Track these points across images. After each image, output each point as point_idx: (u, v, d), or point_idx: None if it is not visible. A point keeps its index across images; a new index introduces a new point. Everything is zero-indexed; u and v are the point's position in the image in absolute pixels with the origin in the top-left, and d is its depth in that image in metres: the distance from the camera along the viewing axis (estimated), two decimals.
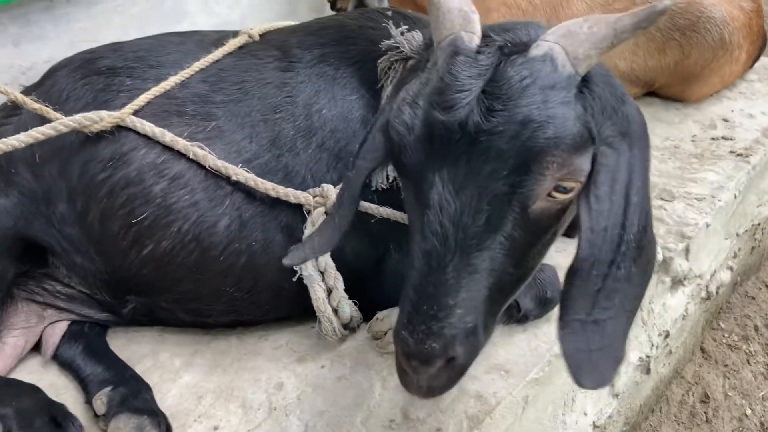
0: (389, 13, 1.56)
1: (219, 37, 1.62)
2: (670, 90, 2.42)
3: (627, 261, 1.00)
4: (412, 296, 0.99)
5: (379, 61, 1.45)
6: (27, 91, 1.54)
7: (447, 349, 0.97)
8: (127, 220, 1.37)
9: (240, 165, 1.40)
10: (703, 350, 2.27)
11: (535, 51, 0.98)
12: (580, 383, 1.00)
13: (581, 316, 1.00)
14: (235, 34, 1.61)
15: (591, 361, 1.00)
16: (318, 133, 1.46)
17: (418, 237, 1.00)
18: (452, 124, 0.95)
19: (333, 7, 2.62)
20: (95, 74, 1.47)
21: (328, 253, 1.42)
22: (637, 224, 1.01)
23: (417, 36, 1.42)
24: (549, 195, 0.98)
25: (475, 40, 1.02)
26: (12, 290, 1.48)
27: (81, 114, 1.35)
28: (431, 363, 0.98)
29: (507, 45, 1.02)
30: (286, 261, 1.27)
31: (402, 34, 1.43)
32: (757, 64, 2.66)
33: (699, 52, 2.27)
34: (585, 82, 1.00)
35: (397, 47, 1.42)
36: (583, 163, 0.98)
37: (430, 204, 0.97)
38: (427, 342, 0.96)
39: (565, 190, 0.98)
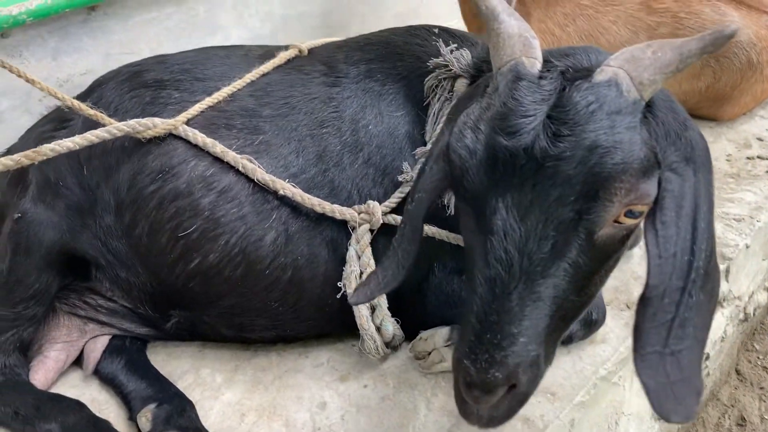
0: (436, 30, 1.56)
1: (264, 52, 1.62)
2: (703, 111, 2.41)
3: (697, 288, 0.98)
4: (475, 324, 0.96)
5: (426, 78, 1.44)
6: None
7: (510, 378, 0.95)
8: (175, 233, 1.36)
9: (287, 179, 1.40)
10: (738, 372, 2.24)
11: (600, 76, 0.96)
12: (667, 418, 0.97)
13: (658, 348, 0.98)
14: (283, 49, 1.60)
15: (673, 394, 0.97)
16: (364, 148, 1.45)
17: (480, 263, 0.97)
18: (517, 149, 0.93)
19: None
20: (142, 87, 1.47)
21: (373, 269, 1.40)
22: (704, 250, 0.99)
23: (466, 54, 1.41)
24: (615, 221, 0.96)
25: (536, 65, 1.00)
26: (54, 304, 1.47)
27: (135, 120, 1.34)
28: (494, 392, 0.96)
29: (569, 70, 1.01)
30: (351, 300, 1.27)
31: (451, 52, 1.42)
32: None
33: (728, 75, 2.28)
34: (649, 107, 0.99)
35: (446, 65, 1.42)
36: (650, 188, 0.96)
37: (493, 230, 0.95)
38: (490, 371, 0.94)
39: (632, 215, 0.96)
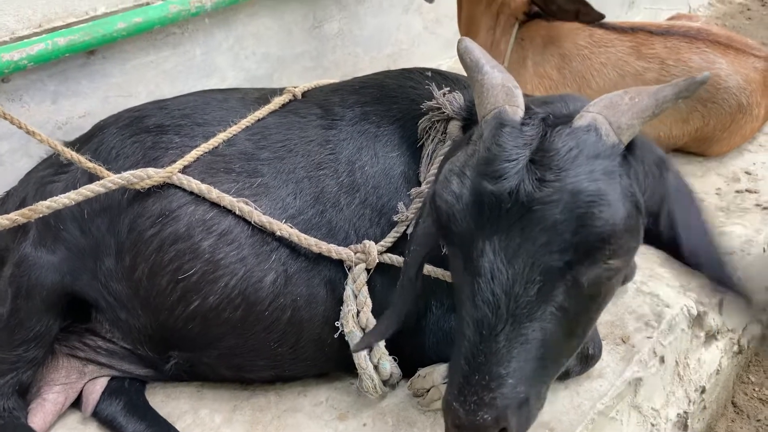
0: (429, 73, 1.60)
1: (260, 96, 1.65)
2: (692, 149, 2.45)
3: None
4: (463, 366, 0.98)
5: (420, 121, 1.48)
6: (71, 145, 1.57)
7: (499, 421, 0.96)
8: (175, 275, 1.38)
9: (285, 221, 1.42)
10: (734, 404, 2.24)
11: (580, 122, 1.01)
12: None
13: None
14: (279, 92, 1.64)
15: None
16: (361, 189, 1.47)
17: (468, 305, 0.99)
18: (502, 193, 0.97)
19: None
20: (144, 132, 1.49)
21: (369, 310, 1.42)
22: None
23: (458, 97, 1.45)
24: (603, 262, 0.99)
25: (519, 112, 1.05)
26: (54, 345, 1.48)
27: (130, 171, 1.37)
28: None
29: (549, 117, 1.05)
30: (354, 348, 1.32)
31: (444, 95, 1.45)
32: None
33: (718, 119, 2.32)
34: (628, 150, 1.03)
35: (439, 108, 1.45)
36: (635, 242, 1.01)
37: (481, 272, 0.97)
38: (479, 413, 0.95)
39: (619, 256, 0.99)
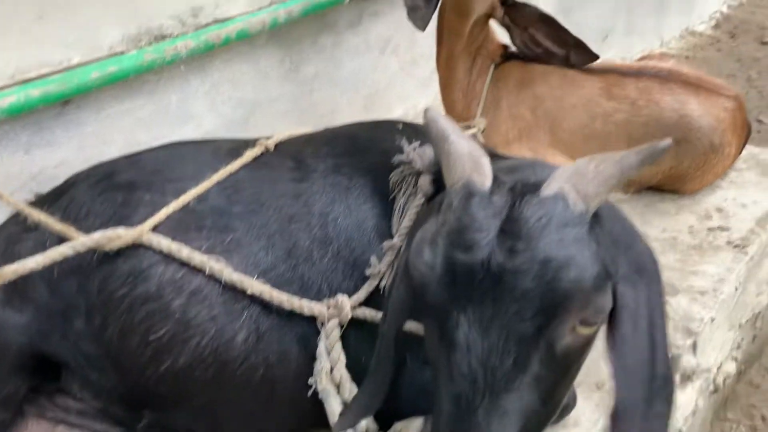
0: (400, 126, 1.62)
1: (233, 147, 1.65)
2: (665, 186, 2.48)
3: (659, 398, 1.02)
4: None
5: (391, 174, 1.49)
6: (42, 201, 1.56)
7: None
8: (146, 336, 1.37)
9: (257, 276, 1.42)
10: None
11: (547, 191, 1.02)
12: None
13: None
14: (251, 144, 1.64)
15: None
16: (334, 242, 1.48)
17: (444, 378, 0.99)
18: (474, 264, 0.97)
19: None
20: (115, 189, 1.49)
21: (343, 366, 1.41)
22: (663, 361, 1.04)
23: (428, 151, 1.46)
24: (574, 330, 0.99)
25: (486, 182, 1.06)
26: (22, 407, 1.45)
27: (99, 232, 1.36)
28: None
29: (517, 185, 1.06)
30: (336, 428, 1.29)
31: (414, 149, 1.47)
32: (744, 152, 2.74)
33: (691, 159, 2.36)
34: (596, 218, 1.03)
35: (410, 162, 1.47)
36: (605, 301, 1.00)
37: (456, 345, 0.97)
38: None
39: (589, 324, 1.00)
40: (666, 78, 2.36)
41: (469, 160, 1.08)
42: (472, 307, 0.97)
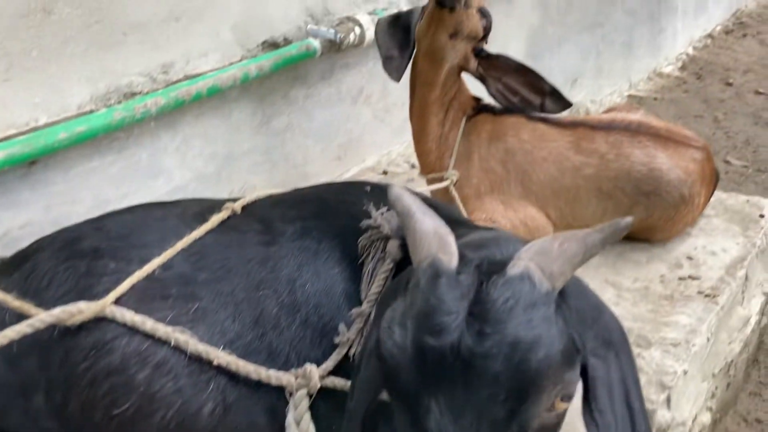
0: (368, 188, 1.61)
1: (200, 209, 1.64)
2: (638, 236, 2.50)
3: None
4: None
5: (359, 239, 1.48)
6: (5, 266, 1.53)
7: None
8: (109, 410, 1.33)
9: (223, 346, 1.39)
10: None
11: (513, 270, 1.01)
12: None
13: None
14: (218, 206, 1.62)
15: None
16: (302, 308, 1.46)
17: None
18: (444, 348, 0.95)
19: None
20: (78, 257, 1.46)
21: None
22: (643, 424, 1.03)
23: (394, 216, 1.46)
24: (551, 408, 0.99)
25: (453, 261, 1.05)
26: None
27: (60, 308, 1.33)
28: None
29: (483, 264, 1.05)
30: None
31: (382, 214, 1.46)
32: (712, 199, 2.79)
33: (662, 211, 2.38)
34: (562, 295, 1.03)
35: (378, 227, 1.46)
36: (574, 375, 1.01)
37: (428, 431, 0.96)
38: None
39: (562, 400, 0.99)
40: (635, 131, 2.39)
41: (435, 238, 1.07)
42: (443, 392, 0.95)
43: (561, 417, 1.03)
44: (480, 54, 2.31)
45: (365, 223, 1.48)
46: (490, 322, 0.95)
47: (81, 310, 1.33)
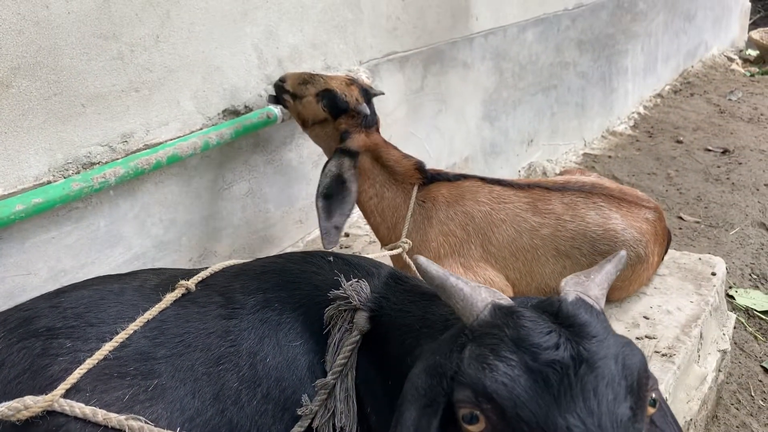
0: (331, 258, 1.63)
1: (159, 282, 1.63)
2: None
3: None
4: None
5: (326, 309, 1.49)
6: None
7: None
8: None
9: (183, 423, 1.37)
10: None
11: (570, 298, 1.12)
12: None
13: None
14: (177, 278, 1.62)
15: None
16: (263, 383, 1.45)
17: None
18: (565, 359, 1.00)
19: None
20: (32, 336, 1.44)
21: None
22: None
23: (365, 287, 1.47)
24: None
25: (510, 301, 1.16)
26: None
27: (5, 404, 1.30)
28: None
29: (528, 302, 1.16)
30: None
31: (351, 285, 1.48)
32: (666, 258, 2.86)
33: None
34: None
35: (346, 297, 1.47)
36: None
37: None
38: None
39: (653, 404, 1.07)
40: (590, 192, 2.46)
41: (483, 289, 1.17)
42: (576, 406, 0.97)
43: (648, 424, 1.09)
44: (344, 137, 2.45)
45: (333, 293, 1.49)
46: (584, 334, 1.03)
47: (28, 405, 1.30)
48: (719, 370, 2.79)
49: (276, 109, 2.72)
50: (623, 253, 1.29)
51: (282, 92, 2.57)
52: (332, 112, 2.45)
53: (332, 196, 2.39)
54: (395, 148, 2.54)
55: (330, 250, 1.72)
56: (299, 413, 1.42)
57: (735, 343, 3.40)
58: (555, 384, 0.98)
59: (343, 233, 2.43)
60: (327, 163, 2.42)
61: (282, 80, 2.57)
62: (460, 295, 1.17)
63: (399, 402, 1.18)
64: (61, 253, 2.20)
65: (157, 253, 2.49)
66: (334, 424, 1.40)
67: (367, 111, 2.44)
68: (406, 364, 1.36)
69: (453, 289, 1.18)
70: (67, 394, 1.34)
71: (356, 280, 1.50)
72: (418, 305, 1.47)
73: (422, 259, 1.25)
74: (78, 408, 1.33)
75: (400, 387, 1.40)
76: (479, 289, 1.17)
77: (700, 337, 2.52)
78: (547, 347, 1.01)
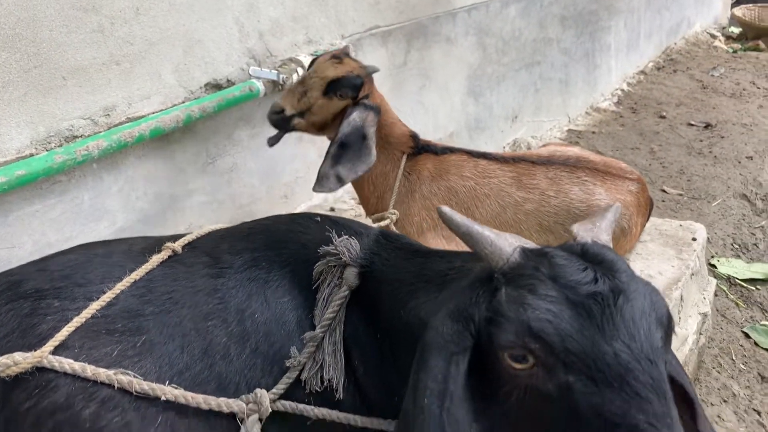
0: (318, 218, 1.64)
1: (146, 245, 1.64)
2: None
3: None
4: None
5: (316, 264, 1.50)
6: None
7: None
8: None
9: (172, 377, 1.38)
10: None
11: (588, 240, 1.20)
12: None
13: None
14: (164, 241, 1.63)
15: None
16: (252, 338, 1.46)
17: (627, 407, 0.99)
18: (606, 291, 1.05)
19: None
20: (21, 298, 1.44)
21: None
22: None
23: (354, 244, 1.49)
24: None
25: (534, 245, 1.21)
26: None
27: None
28: None
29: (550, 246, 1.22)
30: None
31: (342, 242, 1.49)
32: (648, 225, 2.90)
33: None
34: None
35: (336, 254, 1.49)
36: None
37: (625, 371, 1.00)
38: None
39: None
40: (574, 166, 2.46)
41: (507, 234, 1.22)
42: (619, 333, 1.02)
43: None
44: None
45: (323, 249, 1.51)
46: (614, 270, 1.09)
47: (17, 361, 1.32)
48: (700, 333, 2.83)
49: (258, 83, 2.72)
50: (618, 205, 1.35)
51: (286, 122, 2.36)
52: (352, 94, 2.34)
53: (348, 147, 2.29)
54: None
55: (317, 213, 1.73)
56: (288, 365, 1.43)
57: (717, 310, 3.46)
58: (597, 315, 1.04)
59: (339, 187, 2.33)
60: (349, 112, 2.30)
61: (277, 111, 2.36)
62: (488, 241, 1.19)
63: (419, 353, 1.17)
64: (45, 227, 2.20)
65: (142, 227, 2.49)
66: (322, 376, 1.42)
67: (377, 67, 2.40)
68: (399, 318, 1.38)
69: (480, 235, 1.20)
70: (55, 351, 1.36)
71: (346, 237, 1.52)
72: (412, 261, 1.48)
73: (445, 209, 1.27)
74: (67, 364, 1.34)
75: (389, 340, 1.43)
76: (504, 234, 1.20)
77: (681, 299, 2.56)
78: (586, 282, 1.06)
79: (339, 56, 2.38)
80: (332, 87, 2.31)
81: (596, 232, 1.24)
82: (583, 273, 1.08)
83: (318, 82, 2.31)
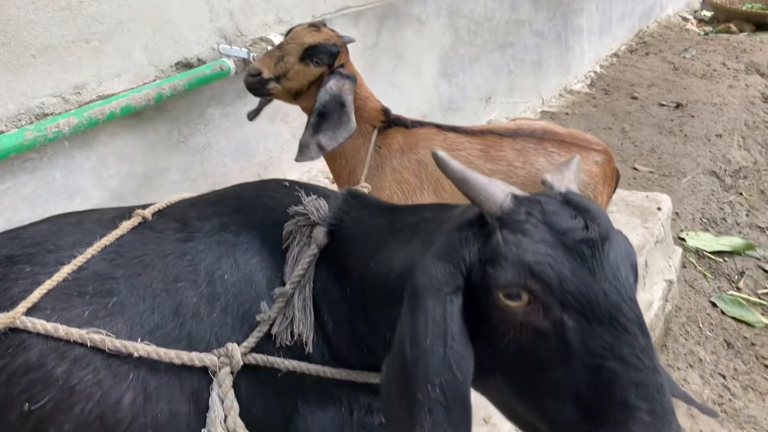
0: (287, 183, 1.68)
1: (118, 214, 1.67)
2: None
3: None
4: (654, 395, 1.05)
5: (285, 224, 1.54)
6: None
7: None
8: (26, 407, 1.34)
9: (143, 336, 1.42)
10: None
11: (564, 190, 1.25)
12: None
13: None
14: (129, 215, 1.65)
15: None
16: (221, 297, 1.50)
17: (618, 343, 1.07)
18: (596, 237, 1.12)
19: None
20: None
21: (237, 414, 1.42)
22: None
23: (323, 205, 1.53)
24: None
25: (522, 192, 1.26)
26: None
27: None
28: None
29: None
30: None
31: (311, 202, 1.53)
32: (615, 197, 2.97)
33: None
34: None
35: (305, 214, 1.52)
36: None
37: (616, 311, 1.08)
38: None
39: None
40: (541, 137, 2.51)
41: (498, 181, 1.25)
42: (609, 277, 1.09)
43: None
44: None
45: (292, 209, 1.54)
46: (595, 218, 1.15)
47: None
48: (666, 300, 2.91)
49: (229, 61, 2.75)
50: (578, 156, 1.40)
51: (262, 85, 2.38)
52: (328, 61, 2.36)
53: (327, 116, 2.33)
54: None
55: (286, 178, 1.77)
56: (258, 319, 1.47)
57: (685, 281, 3.54)
58: (589, 259, 1.11)
59: (321, 155, 2.35)
60: (326, 80, 2.33)
61: (254, 74, 2.37)
62: (482, 186, 1.23)
63: (410, 297, 1.19)
64: (18, 204, 2.22)
65: (115, 204, 2.51)
66: (292, 331, 1.46)
67: (353, 38, 2.43)
68: (369, 269, 1.43)
69: (475, 181, 1.24)
70: (28, 313, 1.38)
71: (315, 197, 1.56)
72: (381, 217, 1.52)
73: (441, 153, 1.30)
74: (39, 324, 1.37)
75: (359, 294, 1.46)
76: (495, 181, 1.25)
77: (645, 265, 2.63)
78: (579, 228, 1.13)
79: (317, 25, 2.42)
80: (308, 53, 2.34)
81: (567, 183, 1.29)
82: (575, 220, 1.14)
83: (295, 48, 2.34)
